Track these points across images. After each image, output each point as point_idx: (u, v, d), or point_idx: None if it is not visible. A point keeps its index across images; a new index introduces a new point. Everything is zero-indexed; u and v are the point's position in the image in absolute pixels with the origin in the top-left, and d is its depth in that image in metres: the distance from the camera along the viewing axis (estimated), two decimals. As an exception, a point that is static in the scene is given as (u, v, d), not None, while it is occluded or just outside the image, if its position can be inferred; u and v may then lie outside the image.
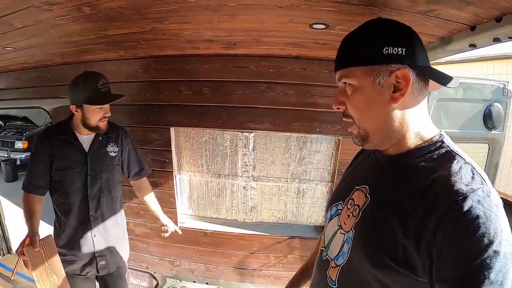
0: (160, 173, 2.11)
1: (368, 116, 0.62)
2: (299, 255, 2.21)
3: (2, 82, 2.29)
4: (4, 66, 2.05)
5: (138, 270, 2.51)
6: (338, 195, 0.76)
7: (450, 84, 0.61)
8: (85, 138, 1.60)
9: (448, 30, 1.23)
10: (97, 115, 1.51)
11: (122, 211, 1.87)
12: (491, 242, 0.47)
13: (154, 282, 2.52)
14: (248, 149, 2.05)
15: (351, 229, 0.65)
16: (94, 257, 1.69)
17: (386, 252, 0.56)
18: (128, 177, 1.82)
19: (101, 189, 1.66)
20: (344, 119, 0.67)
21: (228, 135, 2.04)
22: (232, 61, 1.84)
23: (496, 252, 0.46)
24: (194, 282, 2.42)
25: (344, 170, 1.98)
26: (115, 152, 1.71)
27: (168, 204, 2.18)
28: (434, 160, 0.57)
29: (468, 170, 0.53)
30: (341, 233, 0.69)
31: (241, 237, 2.20)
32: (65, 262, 1.55)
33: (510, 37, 1.03)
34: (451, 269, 0.48)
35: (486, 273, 0.46)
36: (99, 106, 1.51)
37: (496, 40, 1.09)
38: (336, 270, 0.67)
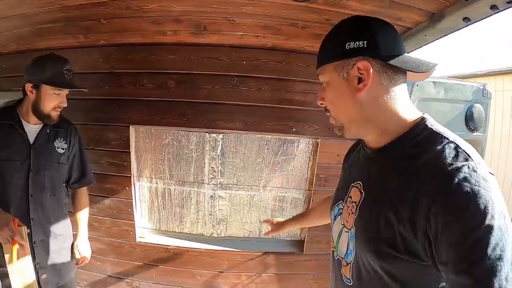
0: (117, 178, 1.74)
1: (340, 108, 0.63)
2: (274, 273, 1.83)
3: None
4: None
5: (91, 292, 2.03)
6: (338, 195, 0.75)
7: (422, 68, 0.59)
8: (32, 128, 1.33)
9: (440, 2, 0.99)
10: (53, 101, 1.28)
11: (69, 220, 1.52)
12: (483, 218, 0.45)
13: (110, 306, 2.05)
14: (216, 152, 1.71)
15: (352, 226, 0.64)
16: (35, 269, 1.33)
17: (387, 242, 0.55)
18: (67, 184, 1.49)
19: (44, 188, 1.35)
20: (326, 113, 0.67)
21: (194, 136, 1.70)
22: (201, 51, 1.57)
23: (489, 226, 0.44)
24: (155, 306, 1.96)
25: (323, 175, 1.70)
26: (63, 149, 1.42)
27: (126, 215, 1.79)
28: (419, 144, 0.56)
29: (452, 148, 0.52)
30: (345, 231, 0.68)
31: (208, 254, 1.81)
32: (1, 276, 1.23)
33: (509, 2, 0.83)
34: (448, 251, 0.47)
35: (482, 250, 0.44)
36: (58, 91, 1.27)
37: (494, 8, 0.89)
38: (348, 268, 0.66)
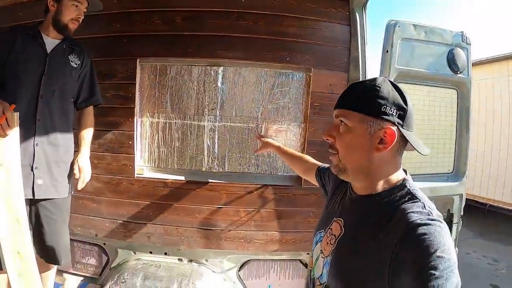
0: (121, 110, 1.78)
1: (352, 155, 0.68)
2: (273, 209, 1.76)
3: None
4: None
5: (85, 242, 1.92)
6: (322, 224, 0.81)
7: (424, 152, 0.67)
8: (50, 41, 1.44)
9: None
10: (72, 13, 1.39)
11: (72, 136, 1.54)
12: (435, 250, 0.53)
13: (105, 258, 1.92)
14: (217, 84, 1.77)
15: (329, 255, 0.72)
16: (31, 172, 1.35)
17: (357, 276, 0.64)
18: (76, 104, 1.55)
19: (53, 94, 1.40)
20: (329, 149, 0.71)
21: (196, 70, 1.79)
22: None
23: (440, 257, 0.53)
24: (150, 252, 1.84)
25: (317, 104, 1.75)
26: (76, 64, 1.51)
27: (126, 149, 1.79)
28: (396, 199, 0.65)
29: (420, 205, 0.62)
30: (322, 257, 0.75)
31: (206, 187, 1.76)
32: None
33: None
34: (408, 277, 0.54)
35: (432, 271, 0.51)
36: (76, 3, 1.40)
37: None
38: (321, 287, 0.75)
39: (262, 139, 1.47)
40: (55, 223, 1.46)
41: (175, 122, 1.81)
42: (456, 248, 2.13)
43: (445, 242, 0.55)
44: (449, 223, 2.01)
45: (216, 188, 1.75)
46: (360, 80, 1.72)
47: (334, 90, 1.74)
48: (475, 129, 3.96)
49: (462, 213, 2.04)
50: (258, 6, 1.71)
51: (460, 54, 1.94)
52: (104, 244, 1.89)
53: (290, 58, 1.71)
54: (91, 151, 1.78)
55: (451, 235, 2.12)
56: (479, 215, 4.76)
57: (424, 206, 0.61)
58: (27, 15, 1.88)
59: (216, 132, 1.80)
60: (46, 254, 1.47)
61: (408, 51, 1.87)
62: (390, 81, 0.68)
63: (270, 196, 1.76)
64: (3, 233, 1.11)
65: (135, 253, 1.86)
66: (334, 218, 0.75)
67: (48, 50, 1.42)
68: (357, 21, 1.77)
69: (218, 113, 1.78)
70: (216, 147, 1.81)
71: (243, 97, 1.78)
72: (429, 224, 0.57)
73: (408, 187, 0.66)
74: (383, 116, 0.63)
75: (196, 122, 1.80)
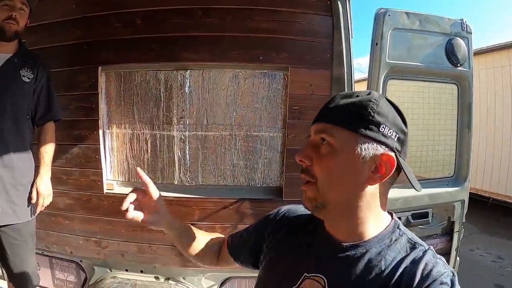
0: (85, 123, 1.58)
1: (336, 186, 0.49)
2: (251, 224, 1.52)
3: None
4: None
5: (62, 259, 1.77)
6: (280, 281, 0.56)
7: (418, 187, 0.50)
8: None
9: None
10: (3, 12, 1.22)
11: (31, 157, 1.35)
12: None
13: (83, 275, 1.77)
14: (184, 90, 1.54)
15: None
16: None
17: None
18: (33, 121, 1.37)
19: (3, 114, 1.24)
20: (303, 175, 0.52)
21: (162, 75, 1.55)
22: (165, -13, 1.46)
23: None
24: (126, 270, 1.67)
25: (296, 107, 1.49)
26: (29, 78, 1.31)
27: (94, 164, 1.60)
28: (397, 249, 0.49)
29: (430, 255, 0.47)
30: None
31: (178, 203, 1.56)
32: None
33: None
34: None
35: None
36: (6, 2, 1.21)
37: None
38: None
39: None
40: (18, 248, 1.32)
41: (143, 133, 1.60)
42: (458, 258, 1.86)
43: None
44: (450, 232, 1.74)
45: (189, 203, 1.54)
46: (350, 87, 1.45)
47: (315, 91, 1.47)
48: (477, 118, 3.60)
49: (464, 220, 1.75)
50: (225, 0, 1.44)
51: (460, 44, 1.63)
52: (81, 261, 1.74)
53: (264, 57, 1.45)
54: (59, 167, 1.62)
55: (452, 245, 1.87)
56: (482, 209, 4.40)
57: (434, 255, 0.48)
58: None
59: (187, 143, 1.57)
60: (14, 277, 1.35)
61: (401, 43, 1.58)
62: (386, 98, 0.52)
63: (248, 210, 1.53)
64: None
65: (111, 271, 1.70)
66: (306, 274, 0.53)
67: None
68: (339, 11, 1.48)
69: (188, 121, 1.55)
70: (187, 158, 1.58)
71: (214, 103, 1.54)
72: (450, 284, 0.44)
73: (403, 231, 0.52)
74: (381, 138, 0.47)
75: (165, 132, 1.58)
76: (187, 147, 1.56)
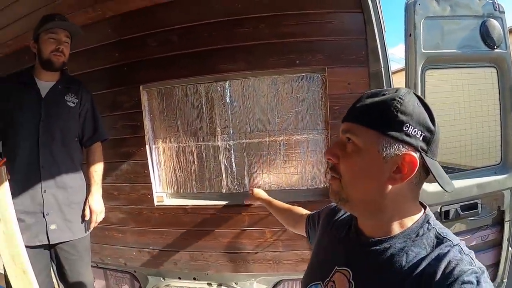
0: (132, 140, 1.63)
1: (359, 183, 0.50)
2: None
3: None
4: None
5: (117, 270, 1.83)
6: (316, 273, 0.60)
7: (448, 188, 0.48)
8: (44, 85, 1.32)
9: None
10: (50, 45, 1.27)
11: (82, 176, 1.39)
12: None
13: (137, 285, 1.81)
14: (225, 100, 1.55)
15: None
16: (43, 218, 1.26)
17: None
18: (82, 143, 1.43)
19: (54, 138, 1.29)
20: (330, 171, 0.54)
21: (202, 88, 1.57)
22: (196, 3, 1.48)
23: None
24: (179, 278, 1.70)
25: (336, 107, 1.47)
26: (73, 103, 1.37)
27: (143, 178, 1.64)
28: (422, 244, 0.48)
29: (456, 252, 0.45)
30: None
31: (227, 210, 1.56)
32: None
33: None
34: None
35: None
36: (52, 35, 1.27)
37: None
38: None
39: (253, 189, 1.44)
40: (75, 263, 1.37)
41: (189, 145, 1.62)
42: (510, 248, 1.77)
43: None
44: (501, 221, 1.66)
45: (238, 210, 1.55)
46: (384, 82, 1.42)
47: (354, 89, 1.44)
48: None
49: (516, 208, 1.67)
50: (255, 9, 1.44)
51: (494, 25, 1.55)
52: (135, 271, 1.79)
53: (300, 60, 1.44)
54: (110, 183, 1.67)
55: (503, 235, 1.78)
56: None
57: (461, 251, 0.46)
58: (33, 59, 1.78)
59: (232, 151, 1.58)
60: None
61: (434, 31, 1.53)
62: (415, 94, 0.51)
63: (296, 213, 1.52)
64: (15, 285, 1.05)
65: (164, 279, 1.73)
66: (337, 268, 0.56)
67: (43, 95, 1.30)
68: (369, 6, 1.44)
69: (231, 130, 1.56)
70: (233, 166, 1.59)
71: (256, 110, 1.53)
72: (476, 283, 0.41)
73: (432, 226, 0.49)
74: (404, 138, 0.46)
75: (210, 143, 1.59)
76: (232, 155, 1.57)
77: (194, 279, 1.68)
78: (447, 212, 1.53)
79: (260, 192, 1.39)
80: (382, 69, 1.45)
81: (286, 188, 1.57)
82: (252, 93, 1.53)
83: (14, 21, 1.61)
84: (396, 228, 0.50)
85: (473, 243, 1.62)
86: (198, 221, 1.59)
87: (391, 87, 1.39)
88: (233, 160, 1.58)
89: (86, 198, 1.39)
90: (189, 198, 1.64)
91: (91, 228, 1.42)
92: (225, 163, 1.59)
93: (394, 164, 0.47)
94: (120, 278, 1.87)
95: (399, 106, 0.47)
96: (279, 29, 1.43)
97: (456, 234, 1.67)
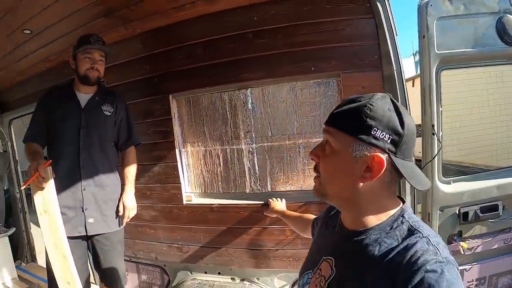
0: (163, 144, 1.79)
1: (334, 181, 0.57)
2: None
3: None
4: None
5: (148, 264, 1.98)
6: (309, 263, 0.68)
7: (419, 187, 0.54)
8: (83, 96, 1.49)
9: None
10: (86, 64, 1.44)
11: (118, 177, 1.57)
12: None
13: (166, 278, 1.96)
14: (248, 106, 1.66)
15: None
16: (82, 212, 1.42)
17: None
18: (117, 147, 1.59)
19: (92, 144, 1.46)
20: (314, 171, 0.61)
21: (226, 96, 1.70)
22: (217, 18, 1.61)
23: None
24: (205, 272, 1.82)
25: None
26: (109, 112, 1.54)
27: (173, 179, 1.80)
28: (395, 235, 0.53)
29: (424, 243, 0.49)
30: None
31: (250, 209, 1.66)
32: None
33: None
34: None
35: None
36: (87, 55, 1.43)
37: None
38: None
39: (271, 201, 1.55)
40: (108, 253, 1.52)
41: (215, 149, 1.75)
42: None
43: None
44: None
45: (260, 209, 1.65)
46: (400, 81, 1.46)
47: (369, 92, 1.49)
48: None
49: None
50: (271, 21, 1.55)
51: (511, 21, 1.53)
52: (165, 265, 1.93)
53: (315, 67, 1.52)
54: (143, 184, 1.84)
55: None
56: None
57: (429, 242, 0.49)
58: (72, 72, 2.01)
59: (255, 154, 1.69)
60: (105, 278, 1.57)
61: (448, 31, 1.52)
62: (392, 99, 0.55)
63: (315, 212, 1.58)
64: (56, 268, 1.21)
65: (191, 273, 1.86)
66: (324, 257, 0.62)
67: (82, 105, 1.47)
68: (380, 11, 1.48)
69: (253, 135, 1.67)
70: (256, 168, 1.69)
71: (276, 115, 1.63)
72: (439, 272, 0.45)
73: (406, 219, 0.54)
74: (372, 140, 0.51)
75: (234, 146, 1.71)
76: (255, 158, 1.68)
77: (219, 273, 1.79)
78: (465, 214, 1.49)
79: (277, 205, 1.51)
80: (395, 72, 1.49)
81: (305, 189, 1.65)
82: (272, 99, 1.63)
83: (56, 38, 1.77)
84: (372, 221, 0.55)
85: (495, 246, 1.56)
86: (223, 219, 1.71)
87: (404, 89, 1.44)
88: (255, 162, 1.69)
89: (121, 195, 1.54)
90: (215, 198, 1.77)
91: (124, 223, 1.56)
92: (249, 165, 1.70)
93: (364, 164, 0.52)
94: (151, 272, 2.02)
95: (368, 112, 0.52)
96: (294, 38, 1.53)
97: (477, 236, 1.59)
